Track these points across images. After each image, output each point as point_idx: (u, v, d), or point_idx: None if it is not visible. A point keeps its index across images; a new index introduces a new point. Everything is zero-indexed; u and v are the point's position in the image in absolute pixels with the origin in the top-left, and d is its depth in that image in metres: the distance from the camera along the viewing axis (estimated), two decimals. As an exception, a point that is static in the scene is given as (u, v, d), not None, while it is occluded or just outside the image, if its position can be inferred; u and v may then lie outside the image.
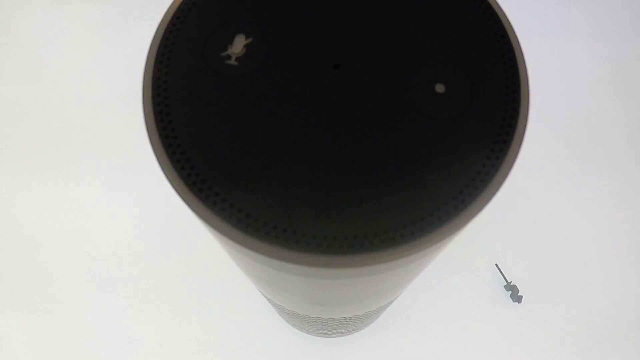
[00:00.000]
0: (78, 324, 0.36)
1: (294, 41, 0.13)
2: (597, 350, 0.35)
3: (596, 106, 0.43)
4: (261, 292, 0.23)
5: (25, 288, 0.37)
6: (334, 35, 0.13)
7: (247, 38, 0.13)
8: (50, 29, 0.45)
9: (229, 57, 0.13)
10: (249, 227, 0.11)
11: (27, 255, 0.38)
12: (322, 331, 0.29)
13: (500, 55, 0.13)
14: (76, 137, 0.41)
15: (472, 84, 0.13)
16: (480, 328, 0.36)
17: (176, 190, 0.12)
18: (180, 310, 0.36)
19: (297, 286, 0.14)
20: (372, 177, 0.12)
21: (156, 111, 0.12)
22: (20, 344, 0.36)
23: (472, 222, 0.39)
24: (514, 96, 0.13)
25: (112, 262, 0.38)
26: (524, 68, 0.13)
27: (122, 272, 0.37)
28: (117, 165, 0.40)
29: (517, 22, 0.45)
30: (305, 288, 0.14)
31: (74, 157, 0.41)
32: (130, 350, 0.35)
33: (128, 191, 0.40)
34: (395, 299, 0.24)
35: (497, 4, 0.14)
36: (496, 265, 0.37)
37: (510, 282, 0.37)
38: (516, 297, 0.36)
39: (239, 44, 0.13)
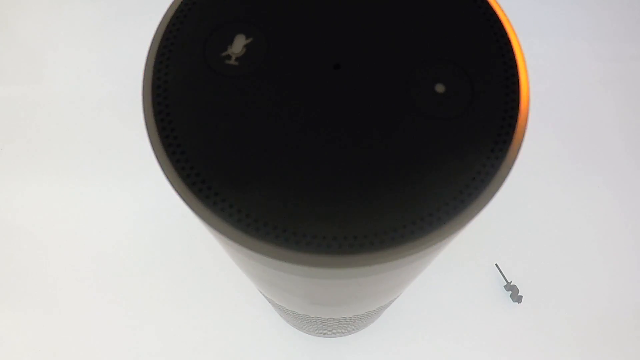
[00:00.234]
0: (78, 324, 0.36)
1: (294, 41, 0.13)
2: (597, 350, 0.35)
3: (596, 106, 0.43)
4: (261, 292, 0.23)
5: (25, 288, 0.37)
6: (334, 35, 0.13)
7: (247, 38, 0.13)
8: (50, 29, 0.45)
9: (229, 57, 0.13)
10: (249, 227, 0.11)
11: (27, 255, 0.38)
12: (322, 331, 0.29)
13: (500, 55, 0.13)
14: (76, 137, 0.41)
15: (472, 84, 0.13)
16: (480, 328, 0.36)
17: (176, 190, 0.12)
18: (180, 310, 0.36)
19: (297, 286, 0.14)
20: (372, 177, 0.12)
21: (156, 111, 0.12)
22: (20, 344, 0.36)
23: (472, 222, 0.39)
24: (514, 96, 0.13)
25: (112, 262, 0.38)
26: (524, 68, 0.13)
27: (122, 272, 0.37)
28: (117, 165, 0.40)
29: (517, 22, 0.45)
30: (305, 288, 0.14)
31: (73, 157, 0.41)
32: (130, 350, 0.35)
33: (128, 191, 0.40)
34: (395, 298, 0.24)
35: (497, 4, 0.14)
36: (496, 265, 0.37)
37: (510, 282, 0.37)
38: (516, 297, 0.36)
39: (239, 44, 0.13)
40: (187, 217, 0.39)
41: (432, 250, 0.12)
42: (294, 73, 0.13)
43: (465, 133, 0.12)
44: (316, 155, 0.12)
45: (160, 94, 0.13)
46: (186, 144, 0.12)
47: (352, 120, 0.12)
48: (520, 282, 0.37)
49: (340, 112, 0.12)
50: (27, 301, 0.37)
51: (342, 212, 0.11)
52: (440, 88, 0.13)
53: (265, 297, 0.24)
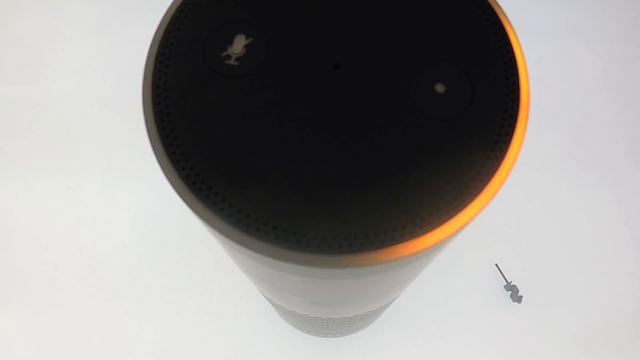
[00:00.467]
0: (78, 324, 0.36)
1: (294, 41, 0.13)
2: (597, 350, 0.35)
3: (596, 106, 0.43)
4: (261, 292, 0.23)
5: (25, 288, 0.37)
6: (334, 35, 0.13)
7: (247, 38, 0.13)
8: (50, 29, 0.45)
9: (229, 57, 0.13)
10: (249, 227, 0.11)
11: (27, 255, 0.38)
12: (322, 331, 0.29)
13: (500, 55, 0.13)
14: (76, 137, 0.41)
15: (472, 84, 0.13)
16: (480, 328, 0.36)
17: (176, 190, 0.12)
18: (180, 310, 0.36)
19: (297, 286, 0.14)
20: (372, 177, 0.12)
21: (156, 111, 0.12)
22: (20, 344, 0.36)
23: (472, 222, 0.39)
24: (514, 96, 0.13)
25: (112, 261, 0.38)
26: (524, 68, 0.13)
27: (121, 272, 0.37)
28: (117, 165, 0.40)
29: (517, 22, 0.45)
30: (305, 288, 0.14)
31: (73, 157, 0.41)
32: (130, 350, 0.35)
33: (128, 191, 0.40)
34: (395, 298, 0.24)
35: (497, 4, 0.14)
36: (496, 265, 0.37)
37: (510, 282, 0.37)
38: (516, 297, 0.36)
39: (239, 44, 0.13)
40: (187, 217, 0.39)
41: (432, 250, 0.12)
42: (294, 73, 0.13)
43: (465, 133, 0.12)
44: (316, 155, 0.12)
45: (160, 94, 0.13)
46: (186, 144, 0.12)
47: (352, 120, 0.12)
48: (520, 282, 0.37)
49: (340, 112, 0.12)
50: (27, 301, 0.37)
51: (342, 212, 0.11)
52: (440, 88, 0.13)
53: (265, 297, 0.24)
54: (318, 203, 0.11)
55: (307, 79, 0.13)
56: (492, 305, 0.36)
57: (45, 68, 0.44)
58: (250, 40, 0.13)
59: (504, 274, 0.37)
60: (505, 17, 0.13)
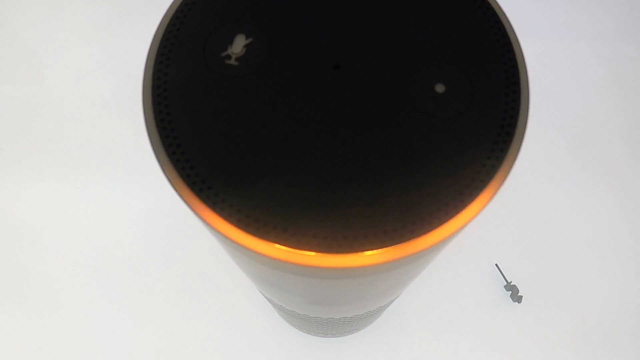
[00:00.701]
0: (78, 324, 0.36)
1: (294, 41, 0.13)
2: (597, 350, 0.35)
3: (596, 106, 0.43)
4: (261, 292, 0.23)
5: (25, 288, 0.37)
6: (334, 35, 0.13)
7: (247, 38, 0.13)
8: (50, 29, 0.45)
9: (229, 57, 0.13)
10: (249, 227, 0.11)
11: (27, 254, 0.38)
12: (322, 331, 0.29)
13: (500, 55, 0.13)
14: (76, 137, 0.41)
15: (472, 84, 0.13)
16: (480, 328, 0.36)
17: (176, 190, 0.12)
18: (180, 310, 0.36)
19: (297, 286, 0.14)
20: (372, 177, 0.12)
21: (156, 111, 0.12)
22: (20, 343, 0.36)
23: (472, 222, 0.39)
24: (514, 96, 0.13)
25: (112, 261, 0.38)
26: (524, 68, 0.13)
27: (122, 272, 0.37)
28: (117, 165, 0.40)
29: (517, 22, 0.45)
30: (305, 288, 0.14)
31: (73, 157, 0.41)
32: (131, 350, 0.35)
33: (128, 191, 0.40)
34: (395, 298, 0.24)
35: (497, 4, 0.14)
36: (496, 265, 0.37)
37: (510, 282, 0.37)
38: (516, 297, 0.36)
39: (239, 44, 0.13)
40: (187, 217, 0.39)
41: (432, 250, 0.12)
42: (293, 73, 0.13)
43: (466, 133, 0.12)
44: (316, 155, 0.12)
45: (160, 94, 0.13)
46: (186, 144, 0.12)
47: (352, 120, 0.12)
48: (520, 282, 0.37)
49: (340, 112, 0.12)
50: (27, 301, 0.37)
51: (342, 212, 0.11)
52: (440, 88, 0.13)
53: (265, 297, 0.24)
54: (318, 203, 0.11)
55: (307, 78, 0.13)
56: (492, 305, 0.36)
57: (45, 68, 0.44)
58: (250, 40, 0.13)
59: (504, 274, 0.37)
60: (505, 17, 0.13)
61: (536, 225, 0.39)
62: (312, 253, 0.11)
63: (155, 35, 0.13)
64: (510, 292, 0.36)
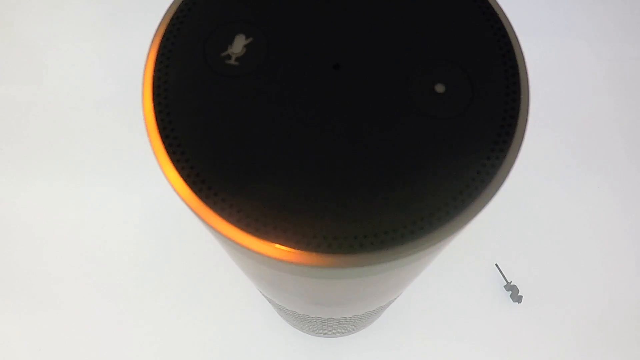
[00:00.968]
0: (79, 324, 0.36)
1: (293, 41, 0.13)
2: (597, 350, 0.35)
3: (596, 106, 0.43)
4: (261, 292, 0.23)
5: (26, 288, 0.37)
6: (334, 35, 0.13)
7: (247, 38, 0.13)
8: (50, 29, 0.45)
9: (229, 57, 0.13)
10: (249, 227, 0.11)
11: (27, 255, 0.38)
12: (322, 331, 0.29)
13: (500, 55, 0.13)
14: (76, 137, 0.41)
15: (472, 84, 0.13)
16: (480, 328, 0.36)
17: (176, 190, 0.12)
18: (181, 310, 0.36)
19: (297, 286, 0.14)
20: (372, 177, 0.12)
21: (156, 111, 0.12)
22: (21, 343, 0.36)
23: (472, 222, 0.39)
24: (514, 96, 0.13)
25: (112, 262, 0.38)
26: (524, 68, 0.13)
27: (122, 272, 0.37)
28: (117, 165, 0.40)
29: (517, 22, 0.45)
30: (305, 288, 0.14)
31: (73, 157, 0.41)
32: (131, 350, 0.35)
33: (128, 191, 0.40)
34: (395, 299, 0.24)
35: (497, 4, 0.14)
36: (496, 265, 0.37)
37: (510, 282, 0.37)
38: (516, 297, 0.36)
39: (239, 44, 0.13)
40: (187, 217, 0.39)
41: (432, 250, 0.12)
42: (294, 73, 0.13)
43: (465, 133, 0.12)
44: (316, 155, 0.12)
45: (160, 94, 0.13)
46: (186, 144, 0.12)
47: (351, 120, 0.12)
48: (520, 282, 0.37)
49: (340, 112, 0.12)
50: (27, 301, 0.37)
51: (342, 212, 0.11)
52: (440, 88, 0.13)
53: (265, 297, 0.24)
54: (318, 203, 0.11)
55: (307, 78, 0.13)
56: (492, 305, 0.36)
57: (45, 68, 0.44)
58: (250, 40, 0.13)
59: (504, 274, 0.37)
60: (505, 17, 0.13)
61: (536, 225, 0.39)
62: (312, 253, 0.11)
63: (155, 35, 0.13)
64: (510, 292, 0.36)
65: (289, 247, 0.11)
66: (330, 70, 0.13)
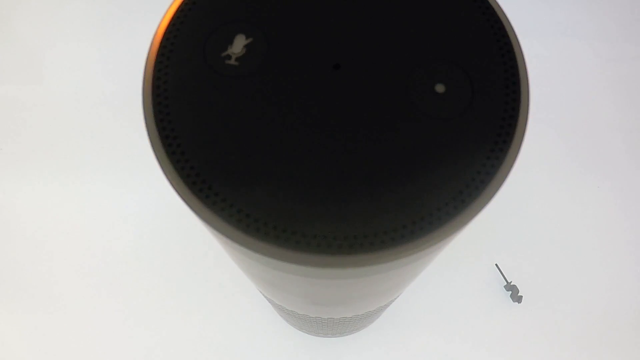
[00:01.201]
0: (78, 324, 0.36)
1: (294, 41, 0.13)
2: (597, 350, 0.35)
3: (596, 106, 0.43)
4: (261, 292, 0.23)
5: (26, 288, 0.37)
6: (334, 36, 0.13)
7: (247, 38, 0.13)
8: (50, 29, 0.45)
9: (229, 57, 0.13)
10: (249, 227, 0.11)
11: (27, 254, 0.38)
12: (322, 331, 0.29)
13: (500, 55, 0.13)
14: (76, 137, 0.41)
15: (472, 84, 0.13)
16: (480, 328, 0.36)
17: (176, 190, 0.12)
18: (181, 310, 0.36)
19: (297, 286, 0.14)
20: (372, 177, 0.12)
21: (156, 111, 0.12)
22: (21, 344, 0.36)
23: (472, 222, 0.39)
24: (514, 96, 0.13)
25: (112, 261, 0.38)
26: (524, 68, 0.13)
27: (122, 271, 0.37)
28: (117, 165, 0.40)
29: (517, 22, 0.45)
30: (305, 288, 0.14)
31: (73, 157, 0.41)
32: (130, 350, 0.35)
33: (128, 191, 0.40)
34: (396, 298, 0.24)
35: (497, 4, 0.14)
36: (496, 265, 0.37)
37: (510, 282, 0.37)
38: (516, 297, 0.36)
39: (239, 44, 0.13)
40: (187, 217, 0.39)
41: (432, 250, 0.12)
42: (294, 73, 0.13)
43: (465, 133, 0.12)
44: (316, 155, 0.12)
45: (160, 94, 0.13)
46: (186, 144, 0.12)
47: (352, 121, 0.12)
48: (520, 282, 0.37)
49: (340, 112, 0.12)
50: (27, 301, 0.37)
51: (342, 212, 0.11)
52: (440, 88, 0.13)
53: (265, 297, 0.24)
54: (318, 203, 0.11)
55: (307, 79, 0.13)
56: (492, 305, 0.36)
57: (45, 68, 0.44)
58: (250, 40, 0.13)
59: (504, 274, 0.37)
60: (505, 17, 0.13)
61: (536, 225, 0.39)
62: (312, 253, 0.11)
63: (155, 35, 0.13)
64: (510, 292, 0.36)
65: (289, 247, 0.11)
66: (331, 71, 0.13)
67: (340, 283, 0.13)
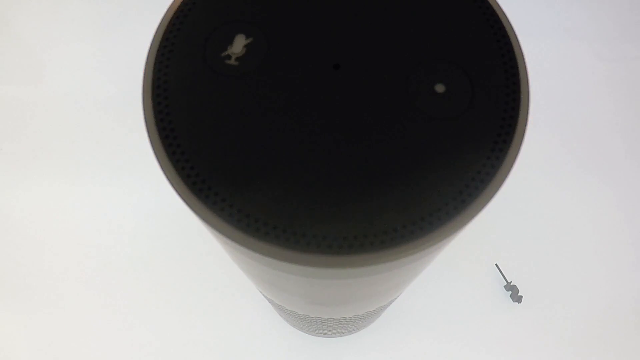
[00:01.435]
0: (78, 324, 0.36)
1: (294, 41, 0.13)
2: (597, 350, 0.35)
3: (596, 106, 0.43)
4: (261, 292, 0.23)
5: (26, 288, 0.37)
6: (334, 35, 0.13)
7: (247, 38, 0.13)
8: (50, 29, 0.45)
9: (229, 57, 0.13)
10: (249, 227, 0.11)
11: (27, 254, 0.38)
12: (322, 331, 0.29)
13: (500, 55, 0.13)
14: (76, 137, 0.41)
15: (472, 84, 0.13)
16: (480, 328, 0.36)
17: (176, 190, 0.12)
18: (181, 310, 0.36)
19: (297, 286, 0.14)
20: (372, 177, 0.12)
21: (156, 111, 0.12)
22: (21, 344, 0.36)
23: (472, 222, 0.39)
24: (514, 96, 0.13)
25: (112, 261, 0.38)
26: (524, 68, 0.13)
27: (122, 272, 0.37)
28: (117, 165, 0.40)
29: (517, 22, 0.45)
30: (305, 288, 0.14)
31: (73, 157, 0.41)
32: (131, 350, 0.35)
33: (128, 191, 0.40)
34: (396, 298, 0.24)
35: (497, 4, 0.14)
36: (496, 265, 0.37)
37: (510, 282, 0.37)
38: (516, 297, 0.36)
39: (239, 44, 0.13)
40: (187, 217, 0.39)
41: (432, 250, 0.12)
42: (294, 73, 0.13)
43: (465, 133, 0.12)
44: (316, 155, 0.12)
45: (160, 94, 0.13)
46: (186, 144, 0.12)
47: (352, 121, 0.12)
48: (520, 282, 0.37)
49: (340, 113, 0.12)
50: (27, 301, 0.37)
51: (342, 212, 0.11)
52: (440, 88, 0.13)
53: (265, 297, 0.24)
54: (318, 203, 0.11)
55: (307, 79, 0.13)
56: (492, 305, 0.36)
57: (45, 68, 0.44)
58: (250, 40, 0.13)
59: (504, 274, 0.37)
60: (505, 17, 0.13)
61: (536, 225, 0.39)
62: (312, 253, 0.11)
63: (155, 35, 0.13)
64: (510, 292, 0.36)
65: (289, 247, 0.11)
66: (331, 71, 0.13)
67: (340, 283, 0.13)
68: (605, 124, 0.42)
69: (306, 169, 0.12)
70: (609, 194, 0.40)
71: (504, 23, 0.13)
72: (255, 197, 0.11)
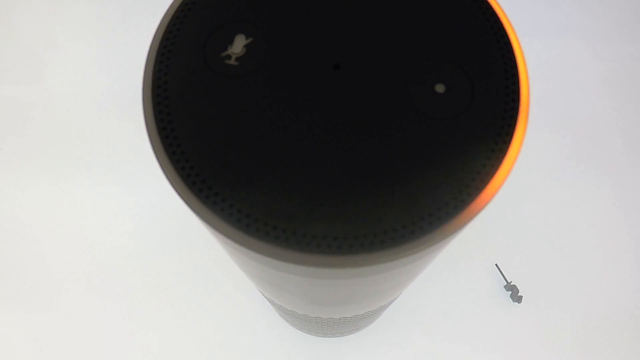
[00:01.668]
0: (78, 324, 0.36)
1: (294, 41, 0.13)
2: (597, 350, 0.35)
3: (596, 106, 0.43)
4: (261, 292, 0.23)
5: (26, 288, 0.37)
6: (334, 35, 0.13)
7: (247, 38, 0.13)
8: (50, 29, 0.45)
9: (229, 57, 0.13)
10: (249, 227, 0.11)
11: (27, 254, 0.38)
12: (322, 331, 0.29)
13: (500, 55, 0.13)
14: (76, 136, 0.41)
15: (472, 84, 0.13)
16: (480, 328, 0.36)
17: (176, 190, 0.12)
18: (181, 310, 0.36)
19: (297, 286, 0.14)
20: (372, 177, 0.12)
21: (156, 111, 0.12)
22: (21, 344, 0.36)
23: (472, 222, 0.39)
24: (514, 96, 0.13)
25: (112, 261, 0.38)
26: (524, 68, 0.13)
27: (122, 271, 0.37)
28: (117, 165, 0.40)
29: (517, 22, 0.45)
30: (305, 288, 0.14)
31: (73, 157, 0.41)
32: (129, 350, 0.35)
33: (128, 191, 0.40)
34: (396, 298, 0.24)
35: (497, 4, 0.14)
36: (496, 265, 0.37)
37: (510, 282, 0.37)
38: (516, 297, 0.36)
39: (239, 44, 0.13)
40: (187, 217, 0.39)
41: (432, 250, 0.12)
42: (294, 73, 0.13)
43: (465, 133, 0.12)
44: (316, 155, 0.12)
45: (160, 94, 0.13)
46: (186, 144, 0.12)
47: (352, 121, 0.12)
48: (520, 282, 0.37)
49: (340, 112, 0.12)
50: (27, 301, 0.37)
51: (342, 212, 0.11)
52: (440, 88, 0.13)
53: (265, 297, 0.24)
54: (318, 203, 0.11)
55: (307, 79, 0.13)
56: (492, 305, 0.36)
57: (45, 68, 0.44)
58: (250, 40, 0.13)
59: (504, 274, 0.37)
60: (505, 17, 0.13)
61: (536, 225, 0.39)
62: (312, 253, 0.11)
63: (155, 35, 0.13)
64: (510, 292, 0.36)
65: (289, 247, 0.11)
66: (331, 70, 0.13)
67: (340, 283, 0.13)
68: (604, 123, 0.42)
69: (306, 169, 0.12)
70: (609, 193, 0.40)
71: (504, 23, 0.13)
72: (255, 197, 0.11)
